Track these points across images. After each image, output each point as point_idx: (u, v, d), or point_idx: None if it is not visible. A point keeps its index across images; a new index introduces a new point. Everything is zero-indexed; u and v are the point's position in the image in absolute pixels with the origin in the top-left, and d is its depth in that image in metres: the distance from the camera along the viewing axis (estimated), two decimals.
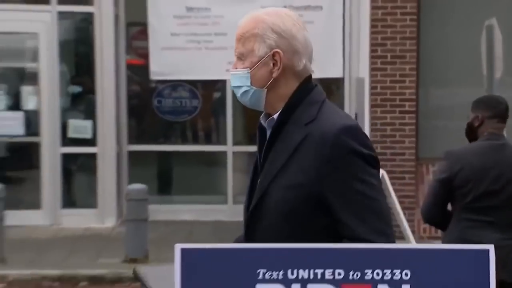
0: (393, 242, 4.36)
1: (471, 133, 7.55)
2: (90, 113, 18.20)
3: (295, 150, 4.30)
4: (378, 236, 4.14)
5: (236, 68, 4.39)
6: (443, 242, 7.05)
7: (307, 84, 4.44)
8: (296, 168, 4.28)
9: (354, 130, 4.24)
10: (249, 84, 4.41)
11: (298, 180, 4.20)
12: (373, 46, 17.02)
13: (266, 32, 4.26)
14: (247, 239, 4.43)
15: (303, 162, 4.24)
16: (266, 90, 4.37)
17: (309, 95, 4.41)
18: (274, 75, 4.22)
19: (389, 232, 4.28)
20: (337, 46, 17.18)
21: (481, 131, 6.85)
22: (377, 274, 3.30)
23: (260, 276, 3.30)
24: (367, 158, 4.23)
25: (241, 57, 4.41)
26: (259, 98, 4.47)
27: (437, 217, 6.90)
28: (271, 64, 4.21)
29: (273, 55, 4.18)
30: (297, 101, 4.37)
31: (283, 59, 4.16)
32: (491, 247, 3.23)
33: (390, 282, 3.29)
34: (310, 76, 4.45)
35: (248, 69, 4.36)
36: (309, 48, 4.36)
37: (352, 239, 4.11)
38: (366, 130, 16.02)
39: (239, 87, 4.45)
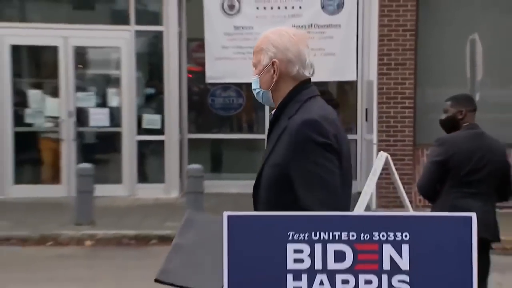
0: (336, 207, 4.21)
1: (452, 124, 7.59)
2: (159, 109, 18.30)
3: (278, 138, 4.45)
4: (321, 205, 4.15)
5: (253, 75, 4.64)
6: (434, 211, 6.95)
7: (300, 85, 4.53)
8: (277, 151, 4.43)
9: (314, 123, 4.31)
10: (258, 87, 4.64)
11: (276, 161, 4.38)
12: (380, 55, 16.61)
13: (268, 46, 4.48)
14: (255, 209, 4.49)
15: (280, 147, 4.39)
16: (271, 91, 4.57)
17: (298, 94, 4.51)
18: (274, 79, 4.41)
19: (330, 202, 4.29)
20: (352, 56, 16.91)
21: (463, 123, 6.97)
22: (383, 236, 3.42)
23: (290, 237, 3.43)
24: (322, 145, 4.30)
25: (254, 66, 4.64)
26: (268, 98, 4.65)
27: (430, 191, 7.00)
28: (272, 71, 4.40)
29: (272, 64, 4.37)
30: (288, 99, 4.50)
31: (280, 67, 4.35)
32: (473, 215, 3.39)
33: (393, 242, 3.42)
34: (306, 79, 4.58)
35: (258, 75, 4.58)
36: (302, 57, 4.47)
37: (303, 208, 4.12)
38: (374, 122, 16.51)
39: (254, 89, 4.65)
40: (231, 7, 16.86)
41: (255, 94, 4.77)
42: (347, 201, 4.60)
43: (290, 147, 4.37)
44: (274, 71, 4.44)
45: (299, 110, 4.47)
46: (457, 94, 7.62)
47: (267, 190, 4.49)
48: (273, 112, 4.66)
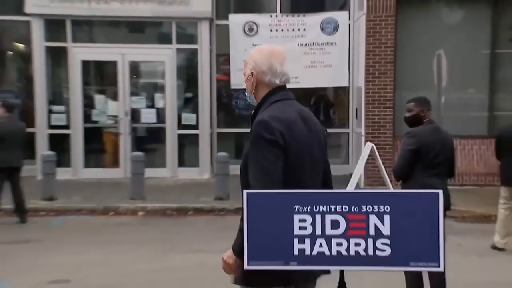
0: (266, 186, 4.28)
1: (416, 120, 7.60)
2: (194, 109, 18.26)
3: (249, 133, 4.47)
4: (259, 182, 4.26)
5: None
6: (405, 189, 7.14)
7: (272, 91, 4.53)
8: (247, 144, 4.46)
9: (264, 123, 4.28)
10: (246, 91, 4.62)
11: (244, 152, 4.39)
12: (367, 67, 16.35)
13: (250, 61, 4.51)
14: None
15: (248, 141, 4.45)
16: (253, 95, 4.57)
17: (268, 98, 4.49)
18: (254, 86, 4.46)
19: (264, 180, 4.32)
20: (345, 67, 17.08)
21: (424, 119, 7.08)
22: (369, 208, 3.57)
23: (296, 210, 3.57)
24: (268, 141, 4.27)
25: (243, 75, 4.65)
26: (253, 100, 4.62)
27: (404, 173, 7.03)
28: (252, 80, 4.43)
29: (252, 74, 4.42)
30: (262, 102, 4.49)
31: (256, 76, 4.40)
32: (440, 192, 3.52)
33: (377, 213, 3.56)
34: (278, 86, 4.54)
35: (245, 83, 4.59)
36: (273, 69, 4.47)
37: (250, 186, 4.28)
38: (362, 119, 16.35)
39: (245, 93, 4.63)
40: (251, 29, 17.07)
41: (247, 97, 4.85)
42: (300, 179, 4.51)
43: (249, 141, 4.41)
44: (253, 79, 4.50)
45: (264, 110, 4.46)
46: (417, 97, 7.66)
47: (241, 174, 4.48)
48: (252, 111, 4.74)
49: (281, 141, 4.29)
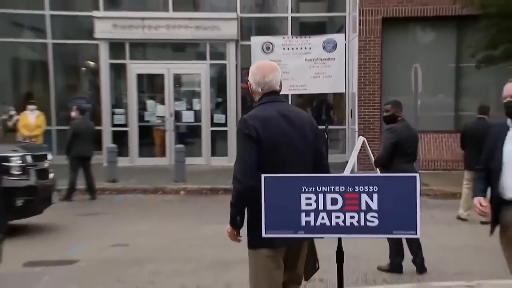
0: (241, 170, 4.26)
1: (392, 119, 7.46)
2: (224, 111, 18.27)
3: None
4: (237, 167, 4.20)
5: None
6: (385, 173, 6.76)
7: (262, 96, 4.37)
8: None
9: (242, 120, 4.29)
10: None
11: None
12: (359, 77, 16.44)
13: (250, 74, 4.36)
14: None
15: None
16: (255, 100, 4.45)
17: (258, 102, 4.37)
18: (252, 93, 4.40)
19: (241, 166, 4.27)
20: (342, 77, 16.04)
21: (398, 118, 6.96)
22: (361, 188, 3.65)
23: (303, 190, 3.66)
24: (245, 134, 4.17)
25: None
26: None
27: (386, 162, 6.84)
28: (250, 89, 4.37)
29: (249, 85, 4.33)
30: (255, 105, 4.40)
31: (252, 86, 4.29)
32: (417, 175, 3.69)
33: (367, 192, 3.64)
34: (268, 92, 4.38)
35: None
36: (256, 80, 4.34)
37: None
38: (356, 118, 16.35)
39: None
40: (268, 48, 16.15)
41: None
42: (283, 164, 4.35)
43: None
44: (250, 89, 4.42)
45: (251, 111, 4.43)
46: (393, 100, 7.58)
47: None
48: None
49: (255, 135, 4.17)
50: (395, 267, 7.13)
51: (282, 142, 4.30)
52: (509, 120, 5.13)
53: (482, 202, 4.50)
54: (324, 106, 19.33)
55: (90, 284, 7.72)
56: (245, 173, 4.24)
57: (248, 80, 4.62)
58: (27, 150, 9.74)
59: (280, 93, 4.58)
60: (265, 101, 4.35)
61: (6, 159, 9.45)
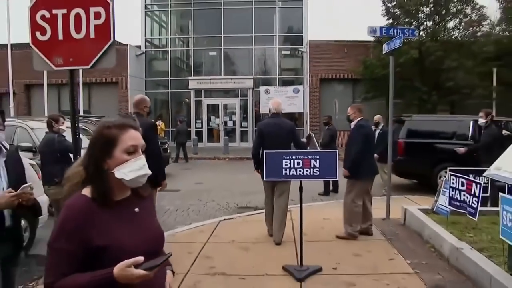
0: (255, 148, 5.37)
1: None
2: (246, 121, 20.83)
3: None
4: (253, 146, 5.29)
5: None
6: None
7: (271, 115, 5.29)
8: None
9: (258, 125, 5.01)
10: None
11: None
12: (310, 105, 20.14)
13: (270, 103, 5.32)
14: None
15: None
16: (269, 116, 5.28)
17: (269, 117, 5.31)
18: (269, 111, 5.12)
19: (254, 147, 5.35)
20: (301, 105, 19.79)
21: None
22: (311, 157, 4.23)
23: (283, 158, 4.27)
24: (257, 130, 5.24)
25: None
26: None
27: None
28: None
29: (269, 109, 5.16)
30: (266, 118, 5.27)
31: (269, 110, 5.13)
32: (337, 151, 4.38)
33: (314, 159, 4.20)
34: (274, 113, 5.26)
35: None
36: (270, 108, 5.22)
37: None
38: (308, 125, 19.38)
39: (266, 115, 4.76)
40: (267, 91, 19.69)
41: None
42: (272, 146, 4.97)
43: None
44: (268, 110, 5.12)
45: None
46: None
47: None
48: None
49: (260, 132, 5.18)
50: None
51: (273, 135, 5.22)
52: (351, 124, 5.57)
53: None
54: (294, 119, 19.89)
55: (187, 201, 8.72)
56: (254, 148, 5.33)
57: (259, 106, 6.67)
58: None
59: (278, 113, 5.35)
60: (271, 117, 5.32)
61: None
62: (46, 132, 5.65)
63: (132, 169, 1.58)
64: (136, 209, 1.65)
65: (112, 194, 1.60)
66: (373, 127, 8.83)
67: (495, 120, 8.80)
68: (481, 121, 7.71)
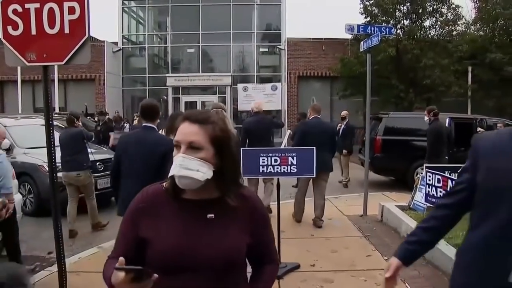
0: (241, 145, 5.36)
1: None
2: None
3: None
4: (240, 143, 5.11)
5: None
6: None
7: (253, 114, 5.85)
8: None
9: (243, 122, 5.14)
10: None
11: None
12: (288, 102, 20.26)
13: (252, 104, 5.85)
14: None
15: None
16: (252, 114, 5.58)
17: (252, 115, 5.69)
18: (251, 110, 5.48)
19: (240, 143, 5.30)
20: (279, 102, 20.27)
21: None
22: (288, 154, 4.31)
23: (260, 155, 4.27)
24: (243, 129, 5.53)
25: None
26: None
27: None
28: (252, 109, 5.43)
29: (252, 108, 5.54)
30: (250, 116, 5.36)
31: (252, 109, 5.49)
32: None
33: (291, 156, 4.27)
34: (256, 111, 5.82)
35: None
36: (255, 105, 5.75)
37: None
38: (286, 122, 18.19)
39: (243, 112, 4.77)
40: (245, 89, 20.43)
41: None
42: (256, 142, 5.45)
43: None
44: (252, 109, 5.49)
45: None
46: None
47: None
48: None
49: (245, 129, 5.73)
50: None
51: (256, 129, 5.81)
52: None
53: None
54: (272, 116, 17.81)
55: None
56: (241, 141, 5.76)
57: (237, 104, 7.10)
58: None
59: (259, 111, 5.90)
60: (253, 115, 6.10)
61: None
62: (66, 127, 6.65)
63: (172, 167, 1.43)
64: (210, 215, 1.47)
65: (178, 189, 1.47)
66: (339, 124, 10.05)
67: (453, 117, 9.80)
68: (425, 118, 7.78)
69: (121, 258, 1.31)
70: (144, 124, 3.86)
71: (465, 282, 1.58)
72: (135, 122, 13.70)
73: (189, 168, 1.40)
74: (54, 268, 3.92)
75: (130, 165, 3.64)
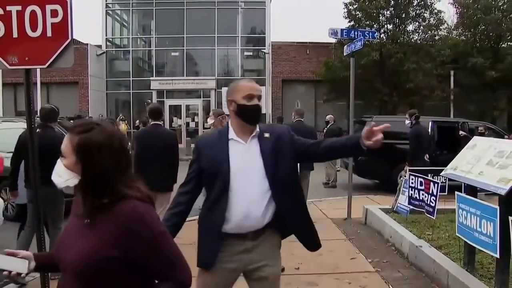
0: None
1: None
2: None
3: None
4: None
5: None
6: None
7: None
8: None
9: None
10: None
11: None
12: (272, 105, 20.30)
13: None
14: None
15: None
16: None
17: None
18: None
19: None
20: (263, 105, 17.37)
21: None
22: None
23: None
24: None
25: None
26: None
27: None
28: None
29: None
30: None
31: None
32: None
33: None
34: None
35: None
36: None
37: None
38: (269, 119, 18.70)
39: None
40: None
41: None
42: None
43: None
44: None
45: None
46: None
47: None
48: None
49: None
50: None
51: None
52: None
53: None
54: None
55: None
56: None
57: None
58: None
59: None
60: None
61: None
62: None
63: None
64: (87, 220, 1.54)
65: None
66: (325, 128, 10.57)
67: (439, 120, 10.03)
68: (406, 122, 7.84)
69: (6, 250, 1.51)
70: (153, 123, 5.11)
71: (201, 229, 2.49)
72: (140, 125, 13.96)
73: (56, 172, 1.53)
74: (37, 274, 3.83)
75: (149, 153, 4.83)
